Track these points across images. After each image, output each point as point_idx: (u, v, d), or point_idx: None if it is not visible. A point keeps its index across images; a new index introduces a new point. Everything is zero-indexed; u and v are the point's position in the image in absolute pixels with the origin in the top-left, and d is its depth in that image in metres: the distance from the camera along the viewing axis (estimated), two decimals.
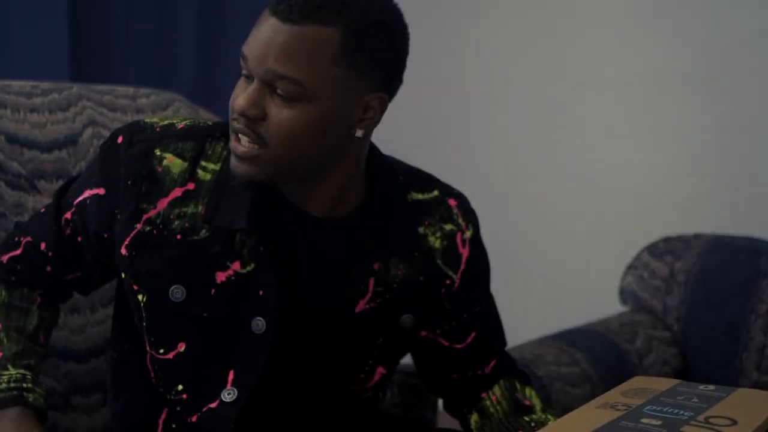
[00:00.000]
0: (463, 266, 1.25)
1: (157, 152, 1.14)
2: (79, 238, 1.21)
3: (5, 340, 1.18)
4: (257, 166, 1.07)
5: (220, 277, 1.13)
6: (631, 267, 2.13)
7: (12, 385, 1.14)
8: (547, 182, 2.65)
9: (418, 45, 3.15)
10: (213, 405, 1.16)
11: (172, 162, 1.14)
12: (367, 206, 1.17)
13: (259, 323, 1.14)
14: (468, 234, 1.26)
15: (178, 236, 1.13)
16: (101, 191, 1.17)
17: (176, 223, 1.14)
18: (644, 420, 0.93)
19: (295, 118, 1.04)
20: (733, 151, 2.31)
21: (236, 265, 1.13)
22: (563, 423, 0.96)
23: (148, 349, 1.18)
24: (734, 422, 0.92)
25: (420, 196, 1.24)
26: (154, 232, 1.13)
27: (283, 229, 1.15)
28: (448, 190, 1.28)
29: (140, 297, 1.16)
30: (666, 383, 1.07)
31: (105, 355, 1.50)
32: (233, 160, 1.09)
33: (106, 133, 1.59)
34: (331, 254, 1.17)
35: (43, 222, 1.24)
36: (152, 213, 1.13)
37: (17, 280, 1.24)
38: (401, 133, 3.03)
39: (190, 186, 1.14)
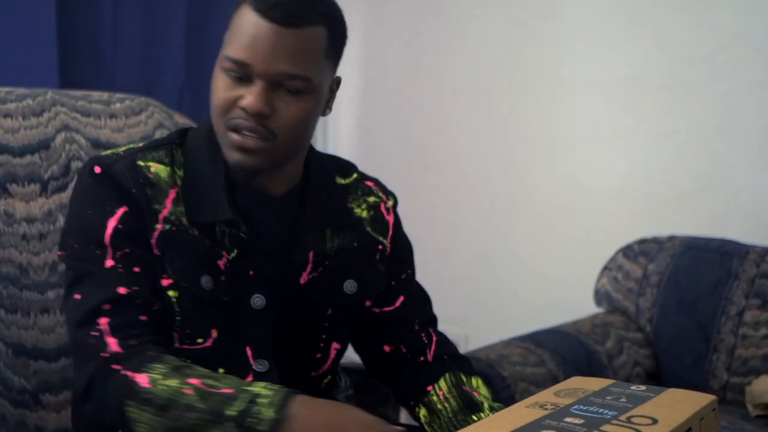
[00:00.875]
0: (390, 231, 1.38)
1: (140, 163, 1.21)
2: (137, 269, 1.18)
3: (215, 382, 1.09)
4: (264, 158, 1.18)
5: (221, 265, 1.22)
6: (606, 268, 2.15)
7: (271, 388, 1.08)
8: (528, 182, 2.67)
9: (407, 47, 3.18)
10: (249, 380, 1.21)
11: (158, 168, 1.22)
12: (305, 184, 1.30)
13: (257, 300, 1.23)
14: (390, 203, 1.40)
15: (190, 231, 1.21)
16: (125, 209, 1.19)
17: (184, 219, 1.21)
18: (567, 419, 0.96)
19: (302, 109, 1.17)
20: (711, 153, 2.32)
21: (225, 254, 1.22)
22: (488, 422, 0.98)
23: (178, 344, 1.21)
24: (655, 421, 0.94)
25: (343, 181, 1.37)
26: (173, 228, 1.20)
27: (250, 212, 1.24)
28: (364, 175, 1.41)
29: (171, 293, 1.20)
30: (599, 383, 1.10)
31: None
32: (237, 155, 1.17)
33: (78, 138, 1.63)
34: (283, 228, 1.27)
35: (97, 287, 1.17)
36: (165, 212, 1.20)
37: (144, 341, 1.15)
38: (388, 132, 3.06)
39: (177, 189, 1.22)
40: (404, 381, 1.35)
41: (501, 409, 1.28)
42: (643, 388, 1.07)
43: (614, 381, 1.11)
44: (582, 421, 0.95)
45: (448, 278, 2.80)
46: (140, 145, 1.27)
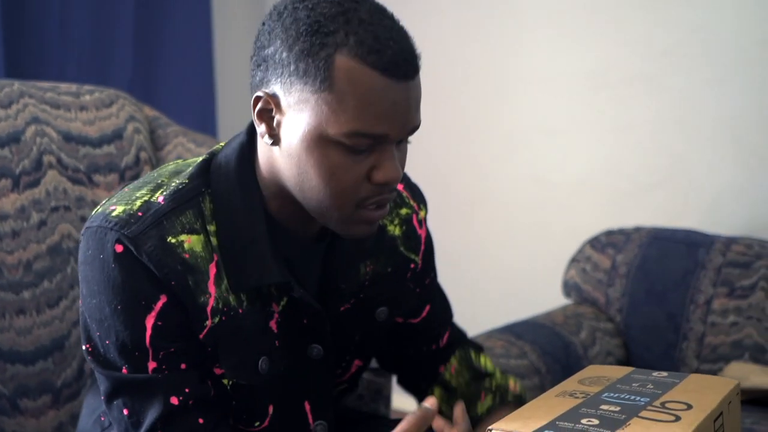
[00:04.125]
0: (423, 246, 1.26)
1: (171, 240, 1.02)
2: (183, 365, 1.05)
3: None
4: None
5: (273, 325, 1.10)
6: (573, 260, 2.16)
7: None
8: (487, 177, 2.68)
9: None
10: None
11: (192, 241, 1.04)
12: None
13: (315, 350, 1.13)
14: (422, 214, 1.27)
15: (240, 310, 1.07)
16: (164, 300, 1.02)
17: (232, 297, 1.06)
18: (603, 407, 0.95)
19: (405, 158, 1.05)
20: (669, 146, 2.36)
21: (274, 307, 1.09)
22: (524, 412, 0.97)
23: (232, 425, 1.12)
24: (689, 406, 0.95)
25: None
26: (224, 318, 1.05)
27: (289, 258, 1.10)
28: None
29: (225, 382, 1.09)
30: (620, 371, 1.10)
31: (52, 357, 1.47)
32: (365, 229, 1.04)
33: (49, 131, 1.56)
34: (317, 268, 1.14)
35: (146, 400, 1.04)
36: (212, 302, 1.04)
37: None
38: None
39: (215, 257, 1.05)
40: (416, 367, 1.33)
41: (513, 378, 1.30)
42: (664, 374, 1.07)
43: (632, 368, 1.12)
44: (618, 408, 0.95)
45: None
46: (158, 199, 1.05)
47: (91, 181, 1.59)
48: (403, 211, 1.24)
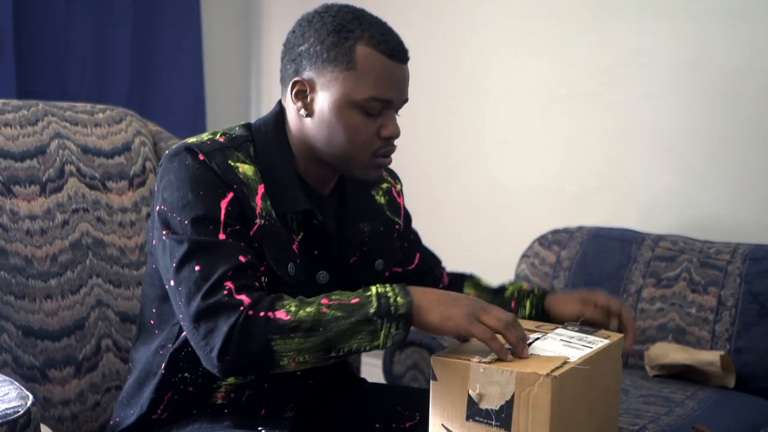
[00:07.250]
0: (402, 211, 1.63)
1: (231, 163, 1.36)
2: (243, 244, 1.33)
3: (340, 297, 1.27)
4: None
5: (295, 249, 1.40)
6: (524, 256, 2.45)
7: (384, 286, 1.28)
8: (455, 183, 2.96)
9: None
10: None
11: (245, 168, 1.37)
12: (342, 182, 1.49)
13: (322, 276, 1.43)
14: (399, 187, 1.65)
15: (276, 223, 1.38)
16: (233, 194, 1.34)
17: (273, 212, 1.37)
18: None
19: None
20: (611, 154, 2.65)
21: (295, 237, 1.41)
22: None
23: None
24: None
25: None
26: (266, 223, 1.36)
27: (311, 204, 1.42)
28: None
29: (263, 278, 1.36)
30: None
31: (75, 335, 1.75)
32: (379, 173, 1.42)
33: (69, 144, 1.83)
34: (332, 221, 1.46)
35: (218, 257, 1.29)
36: (258, 209, 1.36)
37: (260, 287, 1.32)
38: None
39: (263, 185, 1.38)
40: None
41: (518, 283, 1.63)
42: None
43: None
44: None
45: None
46: (220, 138, 1.39)
47: (105, 187, 1.86)
48: (384, 185, 1.61)
